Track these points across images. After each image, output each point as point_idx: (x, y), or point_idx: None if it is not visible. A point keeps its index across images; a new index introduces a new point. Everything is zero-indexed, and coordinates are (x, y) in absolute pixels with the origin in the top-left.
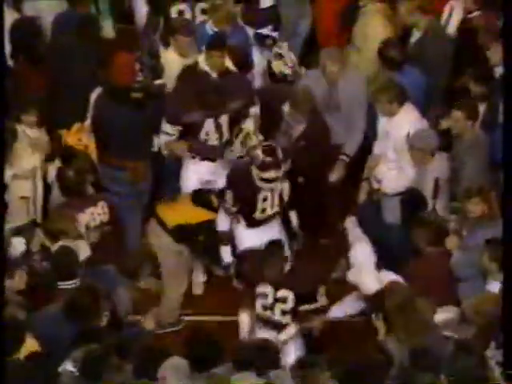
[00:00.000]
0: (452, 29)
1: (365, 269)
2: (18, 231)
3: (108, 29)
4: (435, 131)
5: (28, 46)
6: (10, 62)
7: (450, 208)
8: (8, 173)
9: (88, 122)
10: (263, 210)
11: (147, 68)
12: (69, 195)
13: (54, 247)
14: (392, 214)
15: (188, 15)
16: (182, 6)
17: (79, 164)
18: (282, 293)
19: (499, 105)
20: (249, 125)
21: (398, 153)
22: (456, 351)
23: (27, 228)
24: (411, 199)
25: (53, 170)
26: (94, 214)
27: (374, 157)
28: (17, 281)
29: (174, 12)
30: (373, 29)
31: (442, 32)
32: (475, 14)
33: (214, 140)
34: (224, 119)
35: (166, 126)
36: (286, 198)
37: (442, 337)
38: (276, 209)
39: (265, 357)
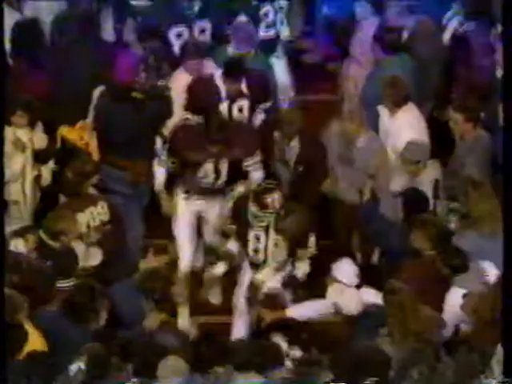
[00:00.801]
0: (446, 38)
1: (347, 289)
2: (16, 231)
3: (108, 29)
4: (432, 129)
5: (28, 47)
6: (10, 62)
7: (450, 208)
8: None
9: (90, 120)
10: (256, 251)
11: (151, 68)
12: (68, 195)
13: (55, 247)
14: (393, 212)
15: (186, 35)
16: (180, 29)
17: (79, 164)
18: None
19: (499, 106)
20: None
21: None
22: (456, 350)
23: (26, 228)
24: (413, 198)
25: (47, 172)
26: (94, 214)
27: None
28: (16, 280)
29: (172, 35)
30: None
31: (431, 29)
32: (468, 25)
33: (210, 180)
34: (224, 163)
35: (167, 156)
36: (281, 251)
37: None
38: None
39: (265, 357)
